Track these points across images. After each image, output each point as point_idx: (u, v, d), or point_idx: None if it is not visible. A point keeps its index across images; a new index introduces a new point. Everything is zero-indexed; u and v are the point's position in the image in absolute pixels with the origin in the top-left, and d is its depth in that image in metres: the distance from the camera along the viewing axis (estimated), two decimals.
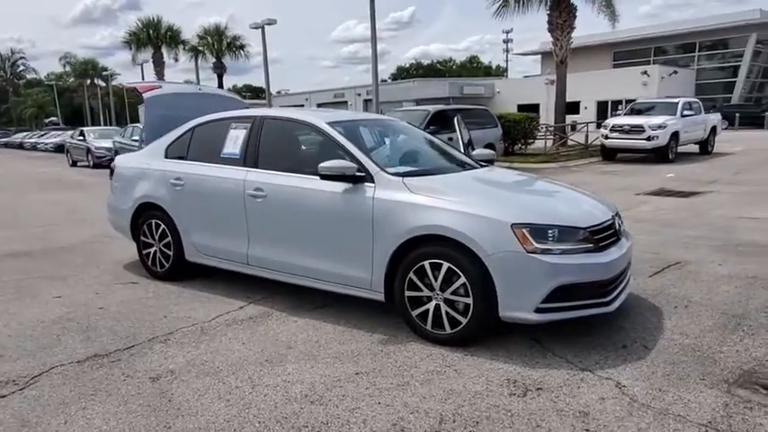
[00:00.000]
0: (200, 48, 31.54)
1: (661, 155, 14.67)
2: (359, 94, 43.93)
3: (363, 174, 3.70)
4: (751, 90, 38.31)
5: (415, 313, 3.51)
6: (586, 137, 18.27)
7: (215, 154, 4.55)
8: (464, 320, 3.32)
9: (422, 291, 3.45)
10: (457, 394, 2.83)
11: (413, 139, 4.97)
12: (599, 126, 17.86)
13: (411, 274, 3.47)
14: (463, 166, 4.45)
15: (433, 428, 2.53)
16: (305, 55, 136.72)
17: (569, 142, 18.55)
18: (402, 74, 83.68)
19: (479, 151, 4.97)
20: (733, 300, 4.13)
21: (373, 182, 3.67)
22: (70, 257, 5.93)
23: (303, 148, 4.45)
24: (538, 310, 3.18)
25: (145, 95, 5.29)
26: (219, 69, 31.94)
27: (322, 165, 3.68)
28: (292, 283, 4.15)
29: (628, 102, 35.44)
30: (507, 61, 75.97)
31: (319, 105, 44.64)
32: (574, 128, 20.12)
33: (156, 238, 4.90)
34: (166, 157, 4.92)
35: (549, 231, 3.23)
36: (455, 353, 3.31)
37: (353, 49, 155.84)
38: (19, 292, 4.72)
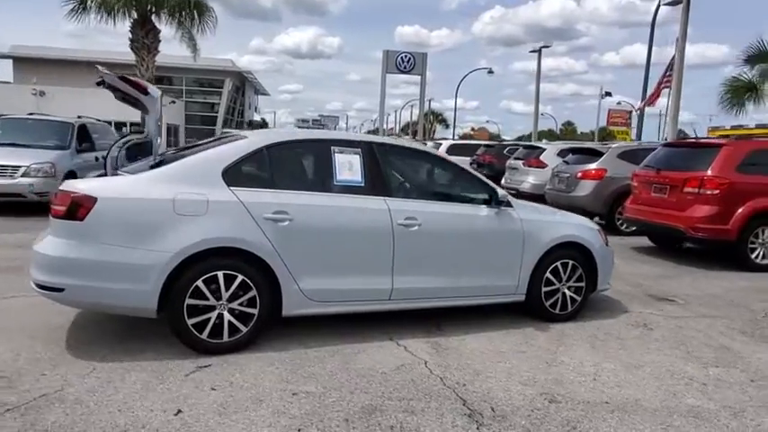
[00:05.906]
0: None
1: None
2: None
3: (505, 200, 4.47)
4: (225, 123, 45.70)
5: (547, 303, 4.63)
6: None
7: (323, 181, 3.90)
8: (579, 299, 4.77)
9: (554, 285, 4.64)
10: (636, 338, 4.39)
11: None
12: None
13: (548, 274, 4.60)
14: None
15: (674, 347, 4.11)
16: None
17: None
18: None
19: None
20: None
21: (511, 206, 4.50)
22: None
23: (431, 176, 4.46)
24: (608, 282, 5.05)
25: (151, 92, 3.49)
26: None
27: (501, 192, 4.26)
28: (426, 308, 4.27)
29: (133, 124, 35.74)
30: None
31: None
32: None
33: (226, 296, 3.54)
34: (229, 184, 3.62)
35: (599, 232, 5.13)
36: (570, 324, 4.65)
37: None
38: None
